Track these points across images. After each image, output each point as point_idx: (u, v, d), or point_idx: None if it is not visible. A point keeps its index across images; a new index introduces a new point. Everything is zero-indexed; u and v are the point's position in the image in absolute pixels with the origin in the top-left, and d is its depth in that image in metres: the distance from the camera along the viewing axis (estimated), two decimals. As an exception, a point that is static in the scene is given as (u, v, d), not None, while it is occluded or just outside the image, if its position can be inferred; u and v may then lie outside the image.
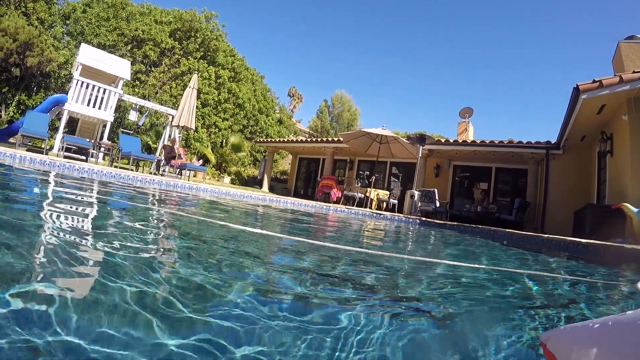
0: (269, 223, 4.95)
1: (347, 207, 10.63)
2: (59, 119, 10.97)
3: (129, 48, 17.35)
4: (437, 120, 71.41)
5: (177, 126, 11.39)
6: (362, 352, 1.02)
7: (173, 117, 12.11)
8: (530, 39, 67.33)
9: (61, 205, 2.95)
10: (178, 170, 10.49)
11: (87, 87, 10.66)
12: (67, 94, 10.83)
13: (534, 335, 1.31)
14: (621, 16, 48.52)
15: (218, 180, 16.89)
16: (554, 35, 62.49)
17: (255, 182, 19.68)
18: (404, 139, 12.25)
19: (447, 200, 12.61)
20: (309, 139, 19.95)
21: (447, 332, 1.36)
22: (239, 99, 20.59)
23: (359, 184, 13.19)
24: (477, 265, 3.06)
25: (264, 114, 22.96)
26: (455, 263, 3.11)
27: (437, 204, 10.99)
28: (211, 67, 19.58)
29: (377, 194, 12.13)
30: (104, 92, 11.02)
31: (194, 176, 12.47)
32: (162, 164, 10.89)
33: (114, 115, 11.60)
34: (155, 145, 15.30)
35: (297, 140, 18.50)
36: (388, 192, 12.46)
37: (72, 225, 2.21)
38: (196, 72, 14.19)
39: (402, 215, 9.43)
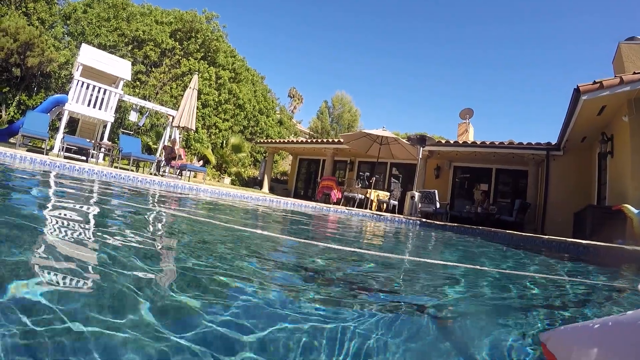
0: (271, 224, 4.95)
1: (347, 208, 10.63)
2: (60, 119, 10.98)
3: (129, 48, 17.37)
4: (437, 121, 71.50)
5: (178, 127, 11.39)
6: (359, 352, 1.01)
7: (173, 117, 12.11)
8: (531, 40, 67.42)
9: (60, 205, 2.95)
10: (178, 171, 10.49)
11: (87, 87, 10.67)
12: (67, 94, 10.84)
13: (534, 335, 1.31)
14: (622, 17, 48.53)
15: (218, 181, 16.90)
16: (555, 36, 62.55)
17: (256, 183, 19.69)
18: (404, 140, 12.25)
19: (448, 202, 12.61)
20: (309, 140, 19.95)
21: (448, 331, 1.35)
22: (239, 100, 20.61)
23: (359, 185, 13.19)
24: (479, 267, 3.06)
25: (265, 115, 22.98)
26: (455, 264, 3.10)
27: (438, 205, 10.99)
28: (212, 67, 19.60)
29: (378, 195, 12.13)
30: (104, 93, 11.03)
31: (194, 177, 12.47)
32: (162, 165, 10.89)
33: (114, 115, 11.61)
34: (155, 146, 15.30)
35: (297, 141, 18.49)
36: (388, 193, 12.46)
37: (71, 227, 2.21)
38: (197, 72, 14.23)
39: (402, 216, 9.42)
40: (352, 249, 3.29)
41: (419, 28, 64.15)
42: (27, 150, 8.21)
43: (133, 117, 12.38)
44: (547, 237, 6.33)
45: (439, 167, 13.97)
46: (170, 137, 12.47)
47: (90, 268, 1.39)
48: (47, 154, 8.07)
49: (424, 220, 8.94)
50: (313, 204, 10.41)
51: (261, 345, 0.98)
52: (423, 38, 65.30)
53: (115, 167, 9.14)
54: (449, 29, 64.64)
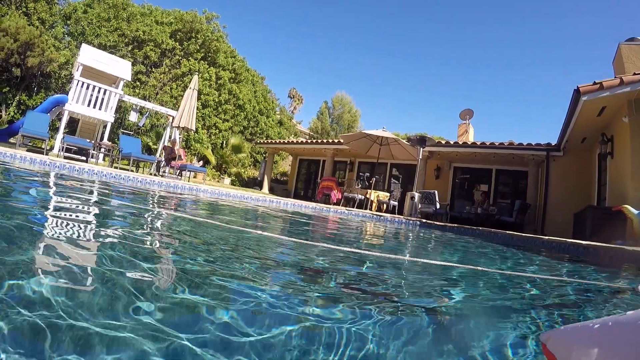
0: (271, 224, 4.95)
1: (347, 208, 10.62)
2: (60, 120, 10.98)
3: (129, 49, 17.38)
4: (437, 121, 71.51)
5: (178, 127, 11.39)
6: (358, 352, 1.01)
7: (173, 118, 12.11)
8: (531, 40, 67.43)
9: (59, 206, 2.94)
10: (178, 171, 10.49)
11: (87, 87, 10.67)
12: (67, 94, 10.85)
13: (534, 335, 1.30)
14: (622, 17, 48.57)
15: (218, 182, 16.90)
16: (555, 36, 62.55)
17: (256, 184, 19.69)
18: (404, 141, 12.25)
19: (448, 202, 12.61)
20: (309, 141, 19.96)
21: (448, 332, 1.35)
22: (239, 100, 20.61)
23: (359, 186, 13.19)
24: (479, 268, 3.05)
25: (265, 115, 22.98)
26: (454, 265, 3.10)
27: (438, 206, 10.99)
28: (212, 68, 19.61)
29: (378, 196, 12.13)
30: (104, 93, 11.03)
31: (194, 177, 12.47)
32: (162, 165, 10.89)
33: (114, 116, 11.61)
34: (155, 146, 15.31)
35: (297, 141, 18.50)
36: (388, 194, 12.45)
37: (69, 227, 2.20)
38: (197, 73, 14.23)
39: (402, 217, 9.42)
40: (351, 250, 3.29)
41: (419, 28, 64.22)
42: (27, 151, 8.21)
43: (133, 117, 12.38)
44: (547, 237, 6.32)
45: (439, 167, 13.97)
46: (170, 137, 12.47)
47: (89, 268, 1.39)
48: (47, 154, 8.07)
49: (423, 220, 8.94)
50: (313, 204, 10.41)
51: (261, 344, 0.98)
52: (423, 38, 65.36)
53: (115, 168, 9.14)
54: (449, 30, 64.72)
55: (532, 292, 2.26)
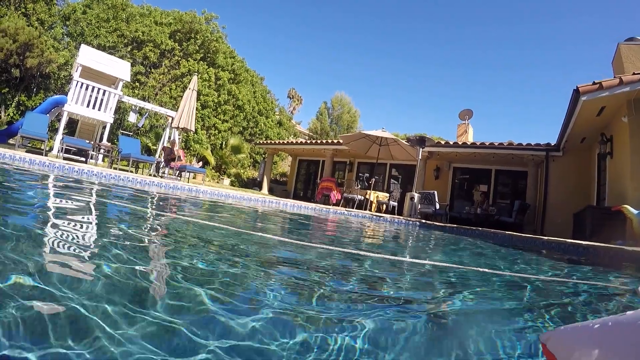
0: (270, 225, 4.94)
1: (346, 209, 10.62)
2: (59, 120, 10.98)
3: (128, 49, 17.39)
4: (437, 121, 71.61)
5: (177, 128, 11.39)
6: (357, 353, 1.00)
7: (173, 118, 12.11)
8: (530, 40, 67.57)
9: (58, 206, 2.94)
10: (177, 172, 10.49)
11: (86, 88, 10.67)
12: (66, 95, 10.84)
13: (534, 336, 1.30)
14: (621, 17, 48.67)
15: (217, 182, 16.90)
16: (554, 37, 62.68)
17: (255, 184, 19.69)
18: (403, 141, 12.25)
19: (447, 203, 12.61)
20: (308, 141, 19.95)
21: (447, 332, 1.34)
22: (238, 101, 20.62)
23: (359, 186, 13.19)
24: (479, 269, 3.05)
25: (264, 116, 22.99)
26: (454, 265, 3.10)
27: (437, 206, 10.99)
28: (211, 68, 19.62)
29: (377, 196, 12.13)
30: (103, 94, 11.03)
31: (194, 178, 12.47)
32: (161, 166, 10.88)
33: (113, 116, 11.61)
34: (154, 147, 15.30)
35: (296, 142, 18.49)
36: (388, 194, 12.46)
37: (68, 227, 2.20)
38: (196, 73, 14.23)
39: (402, 217, 9.42)
40: (350, 250, 3.29)
41: (419, 29, 64.29)
42: (26, 152, 8.20)
43: (132, 118, 12.38)
44: (546, 237, 6.32)
45: (438, 168, 13.98)
46: (169, 138, 12.47)
47: (87, 268, 1.39)
48: (46, 155, 8.07)
49: (423, 221, 8.94)
50: (312, 205, 10.41)
51: (260, 345, 0.97)
52: (422, 39, 65.44)
53: (115, 168, 9.14)
54: (448, 30, 64.80)
55: (532, 293, 2.25)
